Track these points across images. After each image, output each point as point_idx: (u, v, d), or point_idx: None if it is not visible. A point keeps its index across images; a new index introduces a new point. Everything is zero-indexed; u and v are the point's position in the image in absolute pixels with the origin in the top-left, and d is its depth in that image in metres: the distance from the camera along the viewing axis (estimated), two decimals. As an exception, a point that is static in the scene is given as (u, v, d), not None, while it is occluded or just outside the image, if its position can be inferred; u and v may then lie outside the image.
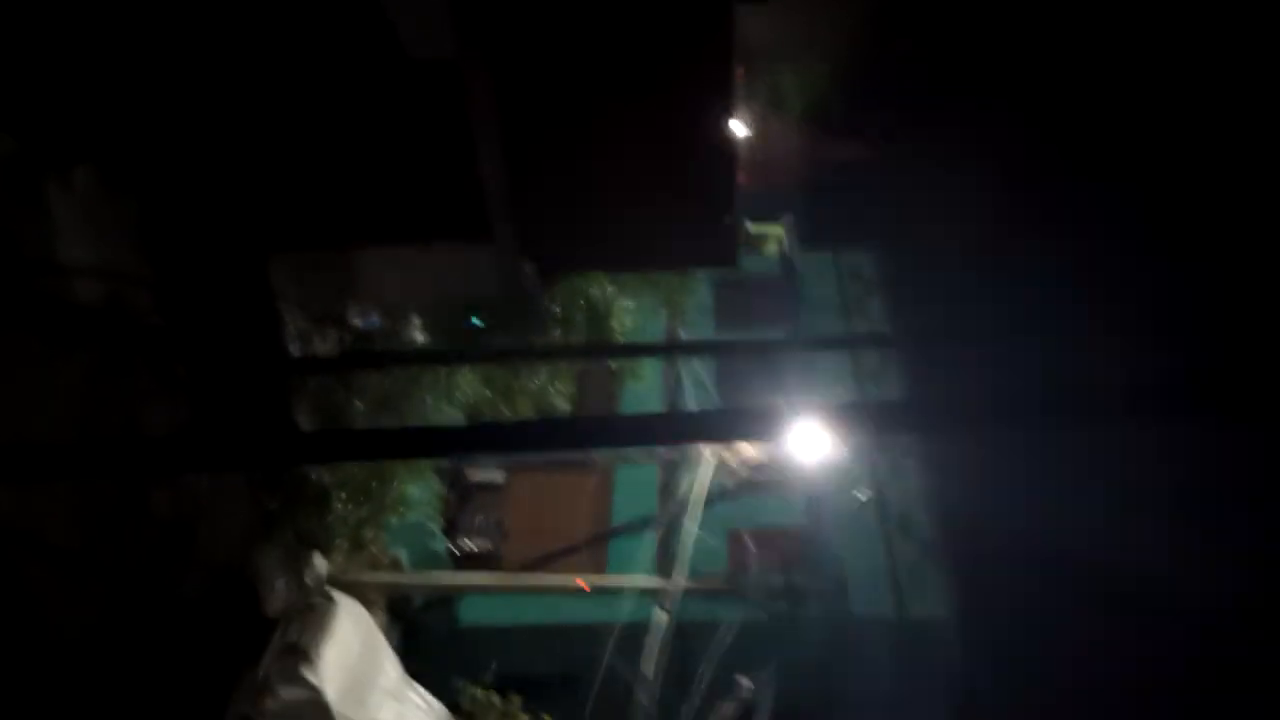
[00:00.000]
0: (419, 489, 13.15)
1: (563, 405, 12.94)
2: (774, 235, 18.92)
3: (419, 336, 11.82)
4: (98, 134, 8.05)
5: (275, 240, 9.83)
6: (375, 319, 11.58)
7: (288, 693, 12.40)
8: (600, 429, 4.14)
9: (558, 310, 11.71)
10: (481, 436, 4.59)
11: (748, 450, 14.89)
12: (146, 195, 8.62)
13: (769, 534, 15.44)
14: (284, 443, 5.40)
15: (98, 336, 8.05)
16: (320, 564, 13.30)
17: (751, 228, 18.26)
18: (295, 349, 10.81)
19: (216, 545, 9.08)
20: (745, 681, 14.04)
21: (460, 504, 15.85)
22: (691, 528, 14.47)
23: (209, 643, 9.21)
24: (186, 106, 8.78)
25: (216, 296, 9.25)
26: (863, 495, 15.03)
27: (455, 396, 11.91)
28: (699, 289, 15.33)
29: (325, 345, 11.23)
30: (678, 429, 4.83)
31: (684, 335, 16.05)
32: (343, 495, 11.17)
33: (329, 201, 9.82)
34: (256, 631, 10.99)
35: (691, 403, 14.94)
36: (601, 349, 11.80)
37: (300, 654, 12.61)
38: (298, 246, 9.97)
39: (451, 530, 15.71)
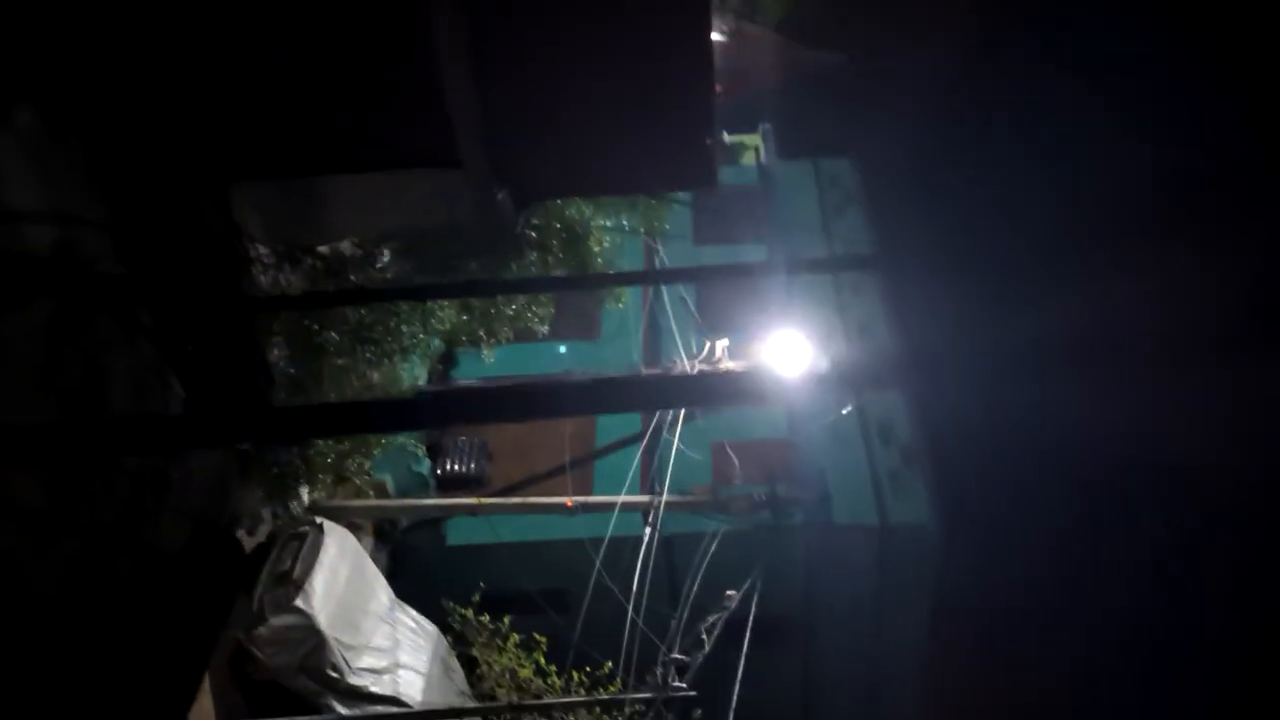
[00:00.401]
0: (400, 419, 12.73)
1: (541, 329, 12.50)
2: (751, 145, 18.26)
3: (389, 263, 11.25)
4: (34, 69, 7.38)
5: (234, 171, 9.19)
6: (346, 249, 11.02)
7: (280, 621, 12.21)
8: (587, 396, 3.73)
9: (533, 234, 11.17)
10: (467, 406, 4.20)
11: (728, 364, 14.52)
12: (93, 131, 7.98)
13: (752, 446, 15.18)
14: (263, 420, 4.98)
15: (53, 286, 7.50)
16: (305, 495, 12.98)
17: (728, 138, 17.60)
18: (264, 281, 10.27)
19: (191, 491, 8.67)
20: (731, 592, 13.93)
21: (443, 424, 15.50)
22: (675, 443, 14.19)
23: (191, 588, 8.87)
24: (130, 31, 8.07)
25: (176, 235, 8.66)
26: (844, 406, 14.72)
27: (432, 324, 11.43)
28: (677, 204, 14.76)
29: (295, 276, 10.68)
30: (662, 394, 4.41)
31: (662, 253, 15.53)
32: (322, 430, 10.74)
33: (289, 128, 9.18)
34: (239, 574, 10.71)
35: (672, 321, 14.50)
36: (581, 280, 11.29)
37: (291, 583, 12.38)
38: (258, 176, 9.34)
39: (436, 453, 15.37)
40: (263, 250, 9.98)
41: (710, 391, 3.76)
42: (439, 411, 4.56)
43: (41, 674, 7.18)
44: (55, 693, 7.27)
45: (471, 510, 14.18)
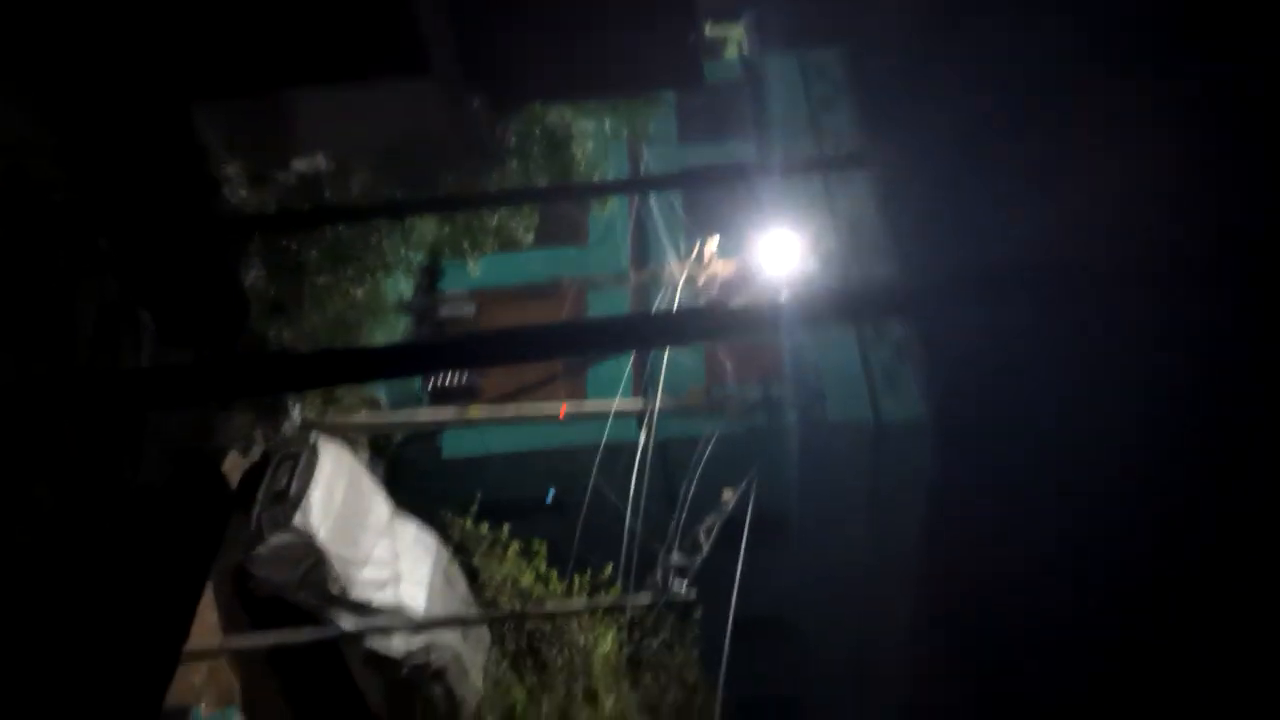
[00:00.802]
0: (386, 337, 12.20)
1: (526, 239, 11.87)
2: (733, 37, 17.32)
3: (365, 178, 10.56)
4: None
5: (194, 88, 8.46)
6: (320, 163, 10.31)
7: (279, 539, 11.93)
8: (588, 335, 3.27)
9: (513, 140, 10.46)
10: (469, 351, 3.75)
11: (718, 266, 13.95)
12: (37, 51, 7.24)
13: (744, 347, 14.68)
14: (260, 371, 4.49)
15: (3, 219, 6.86)
16: (296, 413, 12.53)
17: (709, 30, 16.65)
18: (235, 202, 9.60)
19: (170, 426, 8.17)
20: (728, 493, 13.64)
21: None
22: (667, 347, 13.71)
23: (181, 518, 8.44)
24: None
25: (134, 158, 7.97)
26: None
27: (413, 239, 10.80)
28: (660, 105, 13.98)
29: (268, 195, 10.00)
30: (659, 331, 3.91)
31: (647, 155, 14.78)
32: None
33: (250, 40, 8.43)
34: (233, 497, 10.32)
35: (660, 224, 13.86)
36: (563, 190, 10.61)
37: (288, 502, 12.06)
38: (220, 93, 8.62)
39: (427, 365, 14.87)
40: (232, 170, 9.30)
41: (715, 326, 3.29)
42: (440, 356, 4.07)
43: (31, 623, 6.80)
44: (49, 640, 6.90)
45: (465, 422, 13.76)
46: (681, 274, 13.62)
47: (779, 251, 13.43)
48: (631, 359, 14.42)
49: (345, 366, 4.47)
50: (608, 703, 12.66)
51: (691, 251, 13.97)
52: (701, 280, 13.63)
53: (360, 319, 10.83)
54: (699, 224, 14.24)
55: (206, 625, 11.20)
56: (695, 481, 13.37)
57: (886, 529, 14.42)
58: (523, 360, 3.49)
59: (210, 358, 7.91)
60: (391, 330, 12.54)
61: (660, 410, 13.51)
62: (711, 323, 3.48)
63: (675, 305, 13.32)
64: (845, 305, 3.55)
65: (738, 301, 13.39)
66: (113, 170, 7.81)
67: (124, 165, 7.93)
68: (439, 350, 4.34)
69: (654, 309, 13.78)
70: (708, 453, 13.51)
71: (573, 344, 3.55)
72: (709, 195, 14.84)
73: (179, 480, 8.61)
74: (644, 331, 3.57)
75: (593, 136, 11.71)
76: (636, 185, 13.74)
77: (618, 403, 13.49)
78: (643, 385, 14.27)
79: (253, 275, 10.02)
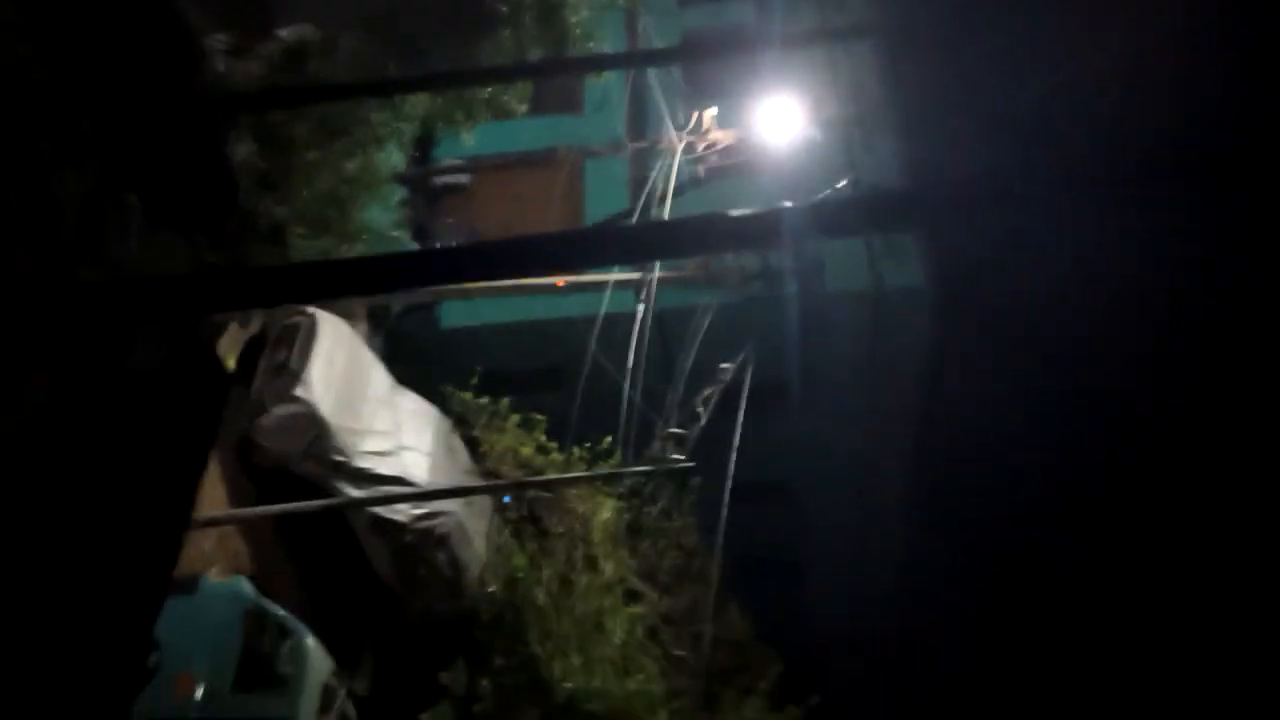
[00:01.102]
0: (380, 211, 12.00)
1: (520, 108, 11.53)
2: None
3: (352, 48, 10.19)
4: None
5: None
6: (306, 31, 9.96)
7: (282, 410, 12.05)
8: (606, 245, 3.20)
9: (504, 8, 10.05)
10: (483, 262, 3.70)
11: (718, 135, 13.64)
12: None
13: (743, 217, 14.47)
14: (264, 281, 4.44)
15: (-24, 101, 6.67)
16: (292, 287, 12.47)
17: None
18: (220, 73, 9.31)
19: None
20: (725, 365, 13.70)
21: (429, 208, 14.77)
22: (666, 216, 13.51)
23: (177, 402, 8.49)
24: None
25: (114, 35, 7.69)
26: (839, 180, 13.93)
27: (405, 112, 10.51)
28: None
29: (254, 66, 9.68)
30: (664, 241, 3.79)
31: (645, 20, 14.22)
32: (300, 230, 10.08)
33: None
34: (224, 383, 10.33)
35: (658, 93, 13.44)
36: (557, 64, 10.23)
37: (289, 373, 12.15)
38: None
39: (422, 235, 14.71)
40: (214, 43, 8.99)
41: (720, 236, 3.21)
42: (446, 267, 4.00)
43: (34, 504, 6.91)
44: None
45: (463, 293, 13.71)
46: (680, 143, 13.32)
47: (779, 119, 13.10)
48: (630, 229, 14.24)
49: (348, 278, 4.40)
50: (607, 568, 12.98)
51: (690, 119, 13.62)
52: (700, 149, 13.34)
53: (353, 193, 10.63)
54: (698, 90, 13.84)
55: (214, 496, 11.40)
56: (693, 352, 13.39)
57: (885, 396, 14.51)
58: (527, 273, 3.42)
59: (207, 266, 7.81)
60: (386, 203, 12.34)
61: (658, 281, 13.43)
62: (716, 232, 3.38)
63: (673, 175, 13.08)
64: (854, 215, 3.44)
65: (735, 164, 13.13)
66: (93, 48, 7.55)
67: (104, 42, 7.66)
68: (445, 260, 4.26)
69: (652, 176, 13.51)
70: (706, 323, 13.50)
71: (577, 256, 3.47)
72: (708, 61, 14.37)
73: (174, 361, 8.62)
74: (648, 242, 3.47)
75: (588, 2, 11.26)
76: (633, 60, 13.26)
77: (616, 274, 13.41)
78: (641, 256, 14.13)
79: (241, 152, 9.79)
